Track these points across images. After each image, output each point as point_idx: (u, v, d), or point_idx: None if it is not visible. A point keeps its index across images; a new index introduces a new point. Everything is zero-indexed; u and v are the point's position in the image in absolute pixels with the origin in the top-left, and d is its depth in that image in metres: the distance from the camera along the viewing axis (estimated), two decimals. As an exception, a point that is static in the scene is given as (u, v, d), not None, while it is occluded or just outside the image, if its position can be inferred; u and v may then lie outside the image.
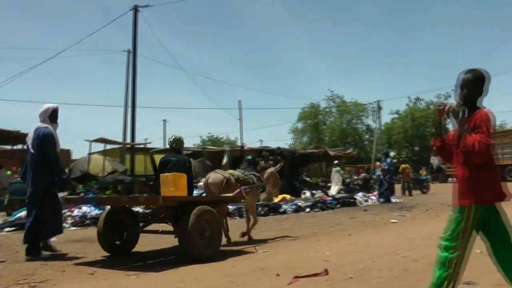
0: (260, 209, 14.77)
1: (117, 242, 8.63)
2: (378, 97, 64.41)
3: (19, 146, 24.77)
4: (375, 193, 21.68)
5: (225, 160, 23.00)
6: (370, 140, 54.35)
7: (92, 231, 11.44)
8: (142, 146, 23.16)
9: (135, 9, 24.17)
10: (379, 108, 49.69)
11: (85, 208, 14.37)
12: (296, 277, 5.88)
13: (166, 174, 7.96)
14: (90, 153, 20.30)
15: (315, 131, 58.37)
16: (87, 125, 78.18)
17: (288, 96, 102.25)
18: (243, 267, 6.98)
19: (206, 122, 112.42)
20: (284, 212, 16.16)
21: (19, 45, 77.66)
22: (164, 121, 56.52)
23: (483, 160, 3.93)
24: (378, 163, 24.89)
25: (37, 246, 8.28)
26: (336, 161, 24.91)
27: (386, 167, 21.65)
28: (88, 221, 13.50)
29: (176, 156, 9.00)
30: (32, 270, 7.16)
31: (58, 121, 8.69)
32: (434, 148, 4.43)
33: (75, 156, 31.26)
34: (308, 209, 16.93)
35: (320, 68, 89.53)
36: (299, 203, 17.56)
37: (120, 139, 24.31)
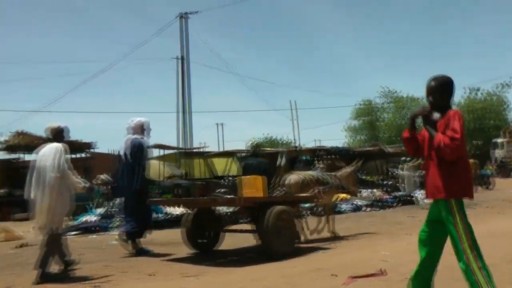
0: (320, 209, 14.82)
1: (201, 241, 9.18)
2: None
3: (83, 155, 25.49)
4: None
5: (281, 161, 23.07)
6: (429, 136, 53.09)
7: (152, 234, 11.79)
8: (198, 150, 23.47)
9: (183, 17, 24.53)
10: (433, 101, 48.45)
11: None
12: (352, 277, 5.92)
13: (245, 176, 8.45)
14: (148, 159, 20.71)
15: (370, 129, 57.56)
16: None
17: (341, 94, 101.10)
18: (301, 267, 7.06)
19: (261, 124, 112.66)
20: (343, 212, 16.13)
21: (73, 60, 79.87)
22: (219, 124, 56.82)
23: (455, 156, 4.16)
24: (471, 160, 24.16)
25: (135, 239, 9.20)
26: (403, 158, 24.60)
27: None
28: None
29: (256, 159, 9.43)
30: (96, 271, 7.48)
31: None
32: (403, 138, 4.76)
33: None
34: (367, 208, 16.86)
35: (372, 65, 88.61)
36: (358, 202, 17.48)
37: (175, 144, 24.76)
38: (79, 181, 7.38)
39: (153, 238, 11.42)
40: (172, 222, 14.13)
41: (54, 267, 7.29)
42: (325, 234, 10.42)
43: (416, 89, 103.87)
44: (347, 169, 11.24)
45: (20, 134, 21.33)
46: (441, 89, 4.42)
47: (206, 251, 9.04)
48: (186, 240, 9.11)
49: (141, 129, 9.49)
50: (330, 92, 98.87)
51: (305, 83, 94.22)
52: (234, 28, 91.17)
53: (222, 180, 22.56)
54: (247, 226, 9.11)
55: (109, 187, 20.59)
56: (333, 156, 23.22)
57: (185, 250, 9.27)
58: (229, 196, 8.96)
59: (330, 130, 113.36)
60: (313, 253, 8.36)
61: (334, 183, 10.48)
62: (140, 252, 9.11)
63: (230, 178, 22.75)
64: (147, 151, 9.53)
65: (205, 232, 9.29)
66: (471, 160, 26.47)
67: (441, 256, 4.55)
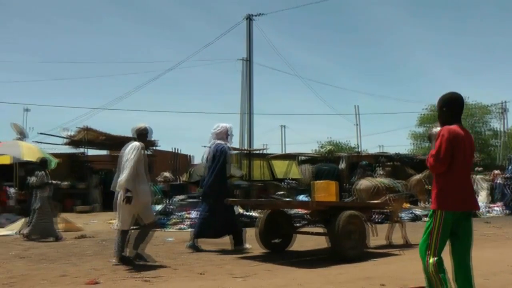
0: (375, 216, 14.63)
1: (274, 241, 9.48)
2: (504, 98, 61.06)
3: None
4: (499, 203, 20.61)
5: (342, 165, 22.89)
6: (496, 145, 51.48)
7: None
8: (259, 151, 23.57)
9: (249, 18, 24.65)
10: (504, 110, 47.06)
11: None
12: (401, 288, 5.82)
13: (319, 181, 8.60)
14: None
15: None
16: (207, 132, 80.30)
17: (407, 100, 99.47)
18: (349, 274, 6.99)
19: (324, 127, 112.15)
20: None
21: (142, 59, 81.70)
22: (282, 126, 56.89)
23: (437, 171, 4.57)
24: (496, 171, 23.38)
25: (241, 238, 9.69)
26: (478, 168, 24.06)
27: (508, 175, 20.46)
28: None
29: (328, 165, 9.80)
30: (147, 266, 7.66)
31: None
32: None
33: (196, 161, 32.31)
34: (426, 218, 16.50)
35: (440, 70, 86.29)
36: (416, 212, 17.13)
37: (237, 145, 24.88)
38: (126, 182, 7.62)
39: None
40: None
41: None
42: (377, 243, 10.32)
43: (485, 96, 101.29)
44: (417, 177, 11.22)
45: (85, 130, 21.96)
46: (441, 105, 4.72)
47: (278, 251, 9.31)
48: (259, 240, 9.40)
49: (226, 134, 9.95)
50: (395, 98, 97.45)
51: (370, 87, 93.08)
52: (299, 30, 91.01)
53: (282, 183, 22.61)
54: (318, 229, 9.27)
55: (169, 184, 21.00)
56: (395, 163, 22.92)
57: (238, 251, 9.38)
58: (303, 200, 9.02)
59: (394, 137, 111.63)
60: (362, 261, 8.24)
61: (404, 191, 10.65)
62: (193, 247, 9.50)
63: (289, 181, 22.80)
64: (230, 156, 10.02)
65: (277, 233, 9.56)
66: None
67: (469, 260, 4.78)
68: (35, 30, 71.78)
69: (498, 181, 20.66)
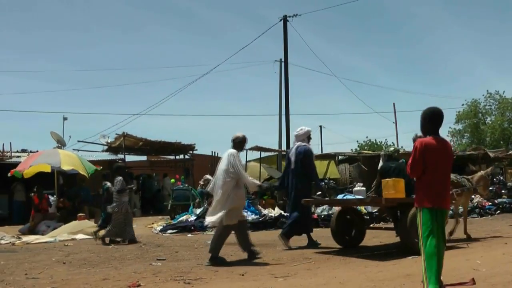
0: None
1: (347, 237, 10.07)
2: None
3: (181, 156, 26.26)
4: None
5: (380, 164, 22.67)
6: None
7: (251, 235, 12.04)
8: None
9: (285, 19, 24.64)
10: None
11: (242, 213, 15.01)
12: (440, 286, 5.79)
13: (387, 179, 9.09)
14: (247, 161, 21.04)
15: (474, 132, 55.36)
16: (245, 134, 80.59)
17: (445, 96, 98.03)
18: (389, 272, 6.98)
19: (362, 126, 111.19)
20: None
21: (178, 64, 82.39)
22: (320, 126, 56.63)
23: (412, 176, 5.83)
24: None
25: (309, 237, 10.29)
26: None
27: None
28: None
29: (395, 163, 10.27)
30: (188, 269, 7.77)
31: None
32: None
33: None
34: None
35: (479, 66, 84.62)
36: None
37: (276, 147, 24.90)
38: (253, 182, 8.79)
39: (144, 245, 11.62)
40: (267, 223, 14.32)
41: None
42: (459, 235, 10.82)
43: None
44: (480, 173, 11.93)
45: (123, 136, 22.26)
46: (424, 118, 5.68)
47: (352, 247, 9.81)
48: (333, 237, 10.03)
49: (307, 136, 10.60)
50: (434, 94, 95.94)
51: (408, 86, 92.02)
52: (335, 31, 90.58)
53: (321, 183, 22.53)
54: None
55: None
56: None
57: (279, 251, 9.45)
58: (371, 197, 9.65)
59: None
60: (403, 258, 8.22)
61: (467, 186, 11.10)
62: (311, 244, 10.14)
63: (328, 181, 22.72)
64: (313, 156, 10.71)
65: (350, 230, 10.14)
66: None
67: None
68: (72, 39, 72.94)
69: None
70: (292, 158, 10.37)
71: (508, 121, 53.48)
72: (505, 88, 70.71)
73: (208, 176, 23.44)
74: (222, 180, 8.35)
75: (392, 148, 11.29)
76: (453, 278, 6.14)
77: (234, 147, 8.73)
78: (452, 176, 10.54)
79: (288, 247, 9.80)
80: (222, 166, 8.48)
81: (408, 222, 8.54)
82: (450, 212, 11.57)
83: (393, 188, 8.88)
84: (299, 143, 10.44)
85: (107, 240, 11.55)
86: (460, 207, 11.42)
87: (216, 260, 8.25)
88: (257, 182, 9.13)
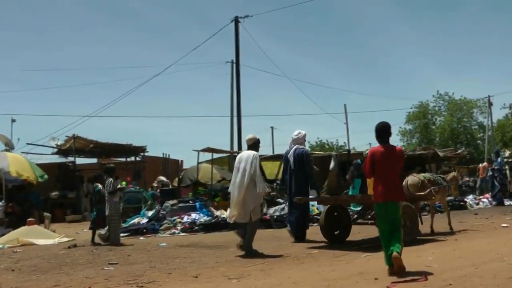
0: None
1: (335, 233, 10.65)
2: (488, 92, 61.47)
3: (132, 158, 25.93)
4: (487, 195, 20.81)
5: (332, 165, 22.84)
6: (483, 139, 51.77)
7: (200, 237, 12.08)
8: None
9: (236, 20, 24.62)
10: (490, 104, 47.47)
11: (194, 215, 14.91)
12: (394, 282, 5.88)
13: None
14: (199, 163, 20.94)
15: (424, 132, 56.57)
16: (196, 136, 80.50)
17: (395, 97, 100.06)
18: (343, 271, 7.05)
19: (313, 127, 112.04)
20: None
21: (129, 65, 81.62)
22: (271, 128, 56.89)
23: (367, 177, 7.93)
24: (481, 164, 23.70)
25: (303, 235, 11.00)
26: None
27: (497, 167, 20.77)
28: (197, 227, 13.95)
29: None
30: (141, 272, 7.66)
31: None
32: None
33: (185, 165, 32.32)
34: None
35: (427, 68, 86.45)
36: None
37: (228, 148, 24.87)
38: (265, 186, 9.28)
39: (200, 241, 11.62)
40: (219, 225, 14.26)
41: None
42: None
43: (470, 91, 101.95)
44: (453, 173, 13.29)
45: (74, 138, 21.84)
46: (375, 131, 7.12)
47: (340, 242, 10.35)
48: (322, 233, 10.57)
49: (304, 140, 11.54)
50: (384, 95, 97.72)
51: (358, 86, 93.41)
52: (286, 32, 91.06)
53: (273, 184, 22.60)
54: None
55: (159, 190, 20.93)
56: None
57: (233, 252, 9.40)
58: (363, 195, 10.62)
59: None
60: (357, 257, 8.33)
61: (444, 184, 12.05)
62: (300, 239, 10.88)
63: (279, 182, 22.80)
64: (310, 158, 11.54)
65: (337, 226, 10.71)
66: None
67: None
68: (20, 39, 71.31)
69: (489, 174, 20.86)
70: (291, 159, 11.12)
71: (457, 121, 54.93)
72: (454, 89, 72.52)
73: (161, 178, 23.30)
74: (247, 180, 9.04)
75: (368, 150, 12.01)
76: (406, 275, 6.24)
77: (253, 148, 9.50)
78: (429, 175, 12.26)
79: (307, 240, 10.79)
80: (244, 166, 9.12)
81: None
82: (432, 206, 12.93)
83: None
84: (297, 145, 11.24)
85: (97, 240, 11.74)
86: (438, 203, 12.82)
87: (252, 252, 9.01)
88: (268, 188, 9.76)
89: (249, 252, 9.00)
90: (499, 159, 21.46)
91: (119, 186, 12.54)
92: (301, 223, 11.06)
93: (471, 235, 10.81)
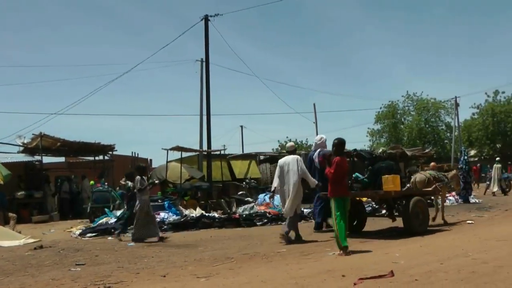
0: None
1: (354, 224, 11.62)
2: (456, 93, 62.64)
3: (100, 157, 25.61)
4: (453, 193, 21.13)
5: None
6: (450, 138, 52.64)
7: (170, 236, 11.98)
8: (218, 152, 23.44)
9: (206, 19, 24.47)
10: (457, 104, 48.31)
11: (163, 214, 14.80)
12: (361, 278, 5.92)
13: (387, 175, 10.99)
14: (168, 161, 20.78)
15: (393, 131, 57.23)
16: (166, 134, 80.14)
17: (364, 97, 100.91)
18: (310, 269, 7.09)
19: (283, 126, 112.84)
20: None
21: (99, 62, 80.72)
22: (241, 127, 56.82)
23: (329, 177, 8.87)
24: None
25: (322, 225, 12.40)
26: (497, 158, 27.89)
27: (461, 166, 21.19)
28: (165, 227, 13.82)
29: (385, 162, 12.44)
30: (109, 272, 7.60)
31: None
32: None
33: (154, 164, 32.10)
34: (382, 211, 16.80)
35: (396, 68, 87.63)
36: (374, 204, 17.35)
37: (197, 147, 24.72)
38: (314, 181, 10.93)
39: (169, 240, 11.54)
40: (188, 224, 14.20)
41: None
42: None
43: (438, 92, 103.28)
44: (454, 171, 14.74)
45: (40, 136, 21.45)
46: (333, 145, 9.02)
47: (358, 232, 11.40)
48: None
49: (325, 144, 12.84)
50: (353, 95, 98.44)
51: (328, 86, 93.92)
52: (257, 31, 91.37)
53: (242, 183, 22.60)
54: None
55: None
56: (354, 159, 23.16)
57: (201, 251, 9.41)
58: (380, 191, 11.13)
59: (353, 134, 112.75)
60: (324, 255, 8.39)
61: (446, 181, 13.31)
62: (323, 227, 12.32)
63: (249, 181, 22.82)
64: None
65: (355, 218, 11.75)
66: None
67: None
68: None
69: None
70: (316, 159, 12.41)
71: (425, 121, 55.72)
72: (423, 89, 73.32)
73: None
74: (296, 180, 10.54)
75: (382, 149, 14.63)
76: (373, 271, 6.32)
77: (293, 154, 11.10)
78: (434, 172, 13.35)
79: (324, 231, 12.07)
80: (292, 168, 10.64)
81: (411, 208, 10.63)
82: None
83: (392, 183, 10.70)
84: (320, 148, 12.63)
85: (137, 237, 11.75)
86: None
87: (300, 237, 10.60)
88: (317, 181, 11.04)
89: (298, 238, 10.57)
90: (462, 158, 21.91)
91: (150, 181, 12.95)
92: (323, 214, 12.23)
93: (438, 232, 10.97)
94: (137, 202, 11.84)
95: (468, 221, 13.00)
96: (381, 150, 14.11)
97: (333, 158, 8.85)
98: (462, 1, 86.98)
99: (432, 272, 6.24)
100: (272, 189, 11.33)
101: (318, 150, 12.65)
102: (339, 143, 8.96)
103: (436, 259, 7.15)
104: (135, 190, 12.05)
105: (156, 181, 14.78)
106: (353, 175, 12.60)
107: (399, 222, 11.35)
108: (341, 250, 8.23)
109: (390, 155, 26.63)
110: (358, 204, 12.17)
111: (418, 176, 12.79)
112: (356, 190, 11.91)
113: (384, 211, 13.39)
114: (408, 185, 12.74)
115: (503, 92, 54.69)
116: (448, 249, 8.21)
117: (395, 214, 11.77)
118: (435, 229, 11.47)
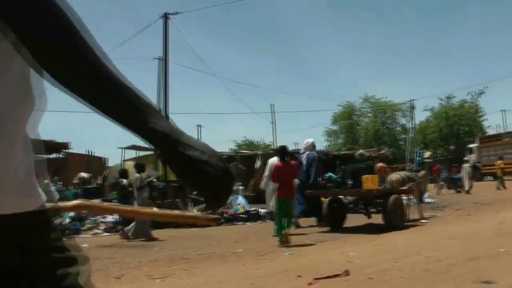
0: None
1: (335, 220, 12.51)
2: (412, 96, 63.75)
3: (53, 155, 25.09)
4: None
5: (258, 164, 22.98)
6: (405, 140, 53.63)
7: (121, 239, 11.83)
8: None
9: (165, 17, 24.26)
10: (413, 107, 49.21)
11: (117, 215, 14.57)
12: (316, 278, 5.92)
13: (366, 175, 11.85)
14: (123, 160, 20.57)
15: (349, 132, 57.89)
16: (122, 133, 79.24)
17: (322, 98, 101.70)
18: (267, 269, 7.07)
19: (241, 126, 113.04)
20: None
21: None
22: (198, 126, 56.70)
23: (273, 181, 10.41)
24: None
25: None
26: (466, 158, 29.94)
27: (416, 167, 21.68)
28: (120, 227, 13.62)
29: (364, 163, 13.49)
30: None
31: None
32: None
33: (110, 163, 31.69)
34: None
35: (353, 70, 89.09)
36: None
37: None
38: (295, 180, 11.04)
39: (123, 241, 11.39)
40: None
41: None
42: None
43: (394, 95, 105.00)
44: (423, 172, 16.90)
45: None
46: (277, 151, 10.19)
47: (338, 227, 12.21)
48: (326, 219, 12.58)
49: (312, 146, 14.21)
50: (312, 96, 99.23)
51: (285, 86, 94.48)
52: (216, 29, 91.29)
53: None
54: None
55: (82, 188, 20.37)
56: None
57: (156, 252, 9.34)
58: (362, 189, 11.89)
59: (311, 134, 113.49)
60: (280, 255, 8.38)
61: (419, 180, 14.28)
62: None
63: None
64: (317, 162, 13.63)
65: (336, 214, 12.62)
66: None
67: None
68: None
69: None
70: (304, 162, 13.44)
71: (381, 123, 56.59)
72: (380, 91, 74.34)
73: (82, 174, 22.68)
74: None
75: (359, 152, 15.49)
76: (328, 271, 6.32)
77: (312, 150, 13.70)
78: (407, 173, 14.47)
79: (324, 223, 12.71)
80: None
81: (390, 205, 11.37)
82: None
83: (371, 182, 11.56)
84: (308, 151, 13.74)
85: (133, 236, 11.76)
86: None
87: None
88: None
89: (296, 224, 11.77)
90: (417, 160, 22.58)
91: (148, 179, 12.81)
92: (311, 209, 13.10)
93: (392, 231, 11.09)
94: (138, 201, 11.89)
95: (422, 220, 13.25)
96: (358, 153, 15.31)
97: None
98: (419, 5, 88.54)
99: (387, 270, 6.28)
100: (262, 186, 11.94)
101: (307, 153, 13.74)
102: (279, 150, 10.66)
103: (391, 258, 7.22)
104: (134, 189, 12.13)
105: (155, 179, 14.63)
106: (326, 175, 13.50)
107: (374, 219, 12.35)
108: (284, 241, 9.47)
109: (346, 156, 27.06)
110: (339, 202, 12.94)
111: (394, 176, 13.51)
112: (330, 189, 12.85)
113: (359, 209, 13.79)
114: (384, 184, 13.08)
115: (455, 97, 56.39)
116: (402, 248, 8.30)
117: (371, 211, 12.73)
118: (390, 229, 11.61)
